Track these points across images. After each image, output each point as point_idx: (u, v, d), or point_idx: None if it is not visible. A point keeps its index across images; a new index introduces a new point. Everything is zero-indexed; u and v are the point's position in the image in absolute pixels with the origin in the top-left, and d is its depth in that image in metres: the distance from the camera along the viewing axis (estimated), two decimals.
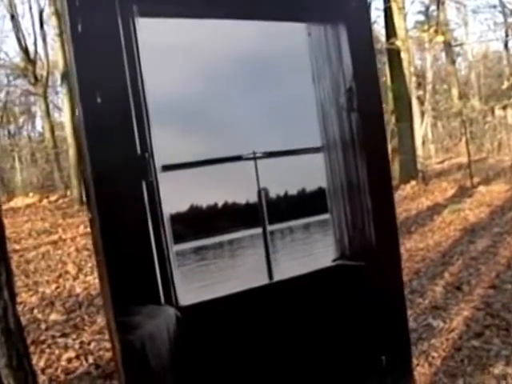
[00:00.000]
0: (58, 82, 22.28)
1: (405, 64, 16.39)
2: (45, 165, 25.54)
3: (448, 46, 25.71)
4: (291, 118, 2.06)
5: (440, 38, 16.05)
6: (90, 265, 8.45)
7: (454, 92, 26.35)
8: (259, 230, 1.98)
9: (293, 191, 2.05)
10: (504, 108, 21.54)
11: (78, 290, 7.12)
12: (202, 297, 1.85)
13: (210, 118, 1.90)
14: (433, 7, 25.13)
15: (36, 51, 21.89)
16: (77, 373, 4.51)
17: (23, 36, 21.30)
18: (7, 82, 26.96)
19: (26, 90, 24.71)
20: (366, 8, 2.26)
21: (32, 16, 23.89)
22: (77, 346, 5.05)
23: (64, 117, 21.06)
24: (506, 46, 29.28)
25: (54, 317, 6.00)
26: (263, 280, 1.99)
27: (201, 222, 1.87)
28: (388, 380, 2.27)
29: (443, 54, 28.76)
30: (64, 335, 5.39)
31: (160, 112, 1.78)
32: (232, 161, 1.93)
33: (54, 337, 5.36)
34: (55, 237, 11.66)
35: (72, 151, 18.16)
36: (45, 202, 18.73)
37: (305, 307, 2.07)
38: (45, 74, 21.64)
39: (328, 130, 2.13)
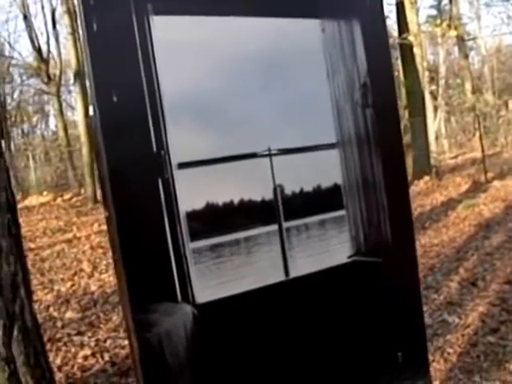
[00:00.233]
0: (71, 80, 22.38)
1: (417, 59, 16.31)
2: (59, 163, 25.67)
3: (461, 40, 25.56)
4: (306, 114, 2.06)
5: (453, 33, 15.99)
6: (104, 263, 8.48)
7: (468, 86, 26.21)
8: (275, 227, 1.98)
9: (308, 188, 2.05)
10: None
11: (93, 287, 7.15)
12: (218, 294, 1.86)
13: (225, 115, 1.90)
14: (445, 1, 25.00)
15: (49, 50, 22.00)
16: (93, 370, 4.53)
17: (36, 35, 21.41)
18: (21, 81, 27.12)
19: (40, 89, 24.84)
20: (380, 3, 2.25)
21: (44, 15, 24.08)
22: (92, 344, 5.07)
23: (77, 115, 21.17)
24: None
25: (69, 315, 6.03)
26: (279, 277, 1.99)
27: (217, 220, 1.88)
28: (404, 376, 2.26)
29: (456, 49, 28.60)
30: (80, 333, 5.41)
31: (175, 110, 1.79)
32: (247, 158, 1.93)
33: (69, 335, 5.38)
34: (70, 235, 11.71)
35: (85, 149, 18.25)
36: (59, 200, 18.83)
37: (321, 303, 2.07)
38: (58, 72, 21.73)
39: (343, 126, 2.12)
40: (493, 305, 4.99)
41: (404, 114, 17.23)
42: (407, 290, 2.31)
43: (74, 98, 23.75)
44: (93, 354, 4.82)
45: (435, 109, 19.31)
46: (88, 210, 15.79)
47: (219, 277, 1.87)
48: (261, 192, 1.95)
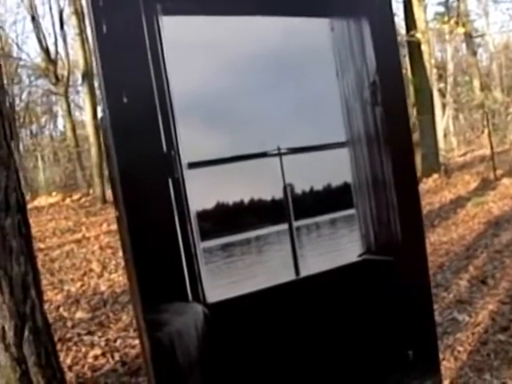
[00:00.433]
0: (79, 81, 22.43)
1: (425, 56, 16.27)
2: (67, 164, 25.76)
3: (469, 37, 25.47)
4: (315, 113, 2.06)
5: (461, 30, 15.93)
6: (114, 262, 8.51)
7: (476, 83, 26.13)
8: (285, 226, 1.98)
9: (318, 187, 2.05)
10: None
11: (103, 287, 7.17)
12: (229, 293, 1.86)
13: (234, 114, 1.90)
14: None
15: (57, 51, 22.06)
16: (103, 370, 4.54)
17: (44, 36, 21.47)
18: (29, 82, 27.21)
19: (48, 89, 24.90)
20: (389, 1, 2.25)
21: (52, 16, 24.12)
22: (103, 344, 5.09)
23: (85, 115, 21.22)
24: None
25: (79, 315, 6.05)
26: (290, 276, 1.99)
27: (227, 219, 1.88)
28: (414, 375, 2.26)
29: (464, 46, 28.51)
30: (90, 333, 5.43)
31: (185, 110, 1.79)
32: (257, 157, 1.93)
33: (79, 334, 5.40)
34: (79, 235, 11.75)
35: (94, 150, 18.30)
36: (68, 200, 18.88)
37: (331, 302, 2.07)
38: (66, 73, 21.78)
39: (352, 124, 2.12)
40: (503, 303, 4.97)
41: (412, 112, 17.19)
42: (417, 288, 2.31)
43: (82, 98, 23.82)
44: (103, 354, 4.83)
45: (443, 106, 19.24)
46: (97, 210, 15.84)
47: (230, 276, 1.87)
48: (271, 191, 1.95)
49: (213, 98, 1.87)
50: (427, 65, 16.34)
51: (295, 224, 2.00)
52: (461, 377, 3.70)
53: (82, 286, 7.40)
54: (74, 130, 23.14)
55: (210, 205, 1.83)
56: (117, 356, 4.77)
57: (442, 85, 19.66)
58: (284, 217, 1.98)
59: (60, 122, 33.06)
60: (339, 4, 2.12)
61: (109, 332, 5.41)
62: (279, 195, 1.96)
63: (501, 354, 3.92)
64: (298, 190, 2.00)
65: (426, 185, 14.29)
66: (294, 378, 1.99)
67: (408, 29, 16.20)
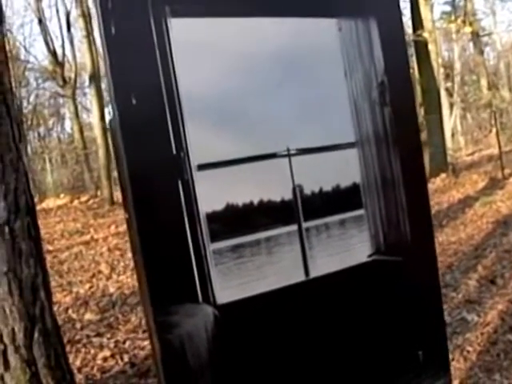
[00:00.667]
0: (86, 83, 22.51)
1: (432, 56, 16.22)
2: (75, 166, 25.81)
3: (476, 36, 25.39)
4: (324, 113, 2.06)
5: (468, 29, 15.88)
6: (122, 264, 8.52)
7: (483, 83, 26.05)
8: (295, 227, 1.98)
9: (327, 187, 2.04)
10: None
11: (112, 289, 7.18)
12: (239, 295, 1.86)
13: (243, 115, 1.91)
14: None
15: (64, 54, 22.16)
16: (112, 371, 4.55)
17: (51, 39, 21.55)
18: (36, 84, 27.29)
19: (55, 92, 24.96)
20: (397, 1, 2.24)
21: (59, 19, 24.09)
22: (112, 345, 5.10)
23: (93, 117, 21.26)
24: None
25: (88, 316, 6.06)
26: (299, 277, 1.99)
27: (236, 220, 1.88)
28: (425, 375, 2.25)
29: (471, 45, 28.42)
30: (99, 334, 5.44)
31: (194, 111, 1.79)
32: (266, 158, 1.93)
33: (89, 336, 5.41)
34: (87, 237, 11.76)
35: (101, 152, 18.32)
36: (76, 202, 18.93)
37: (341, 303, 2.07)
38: (73, 75, 21.84)
39: (361, 125, 2.12)
40: None
41: (419, 112, 17.14)
42: (427, 288, 2.30)
43: (90, 100, 23.91)
44: (112, 356, 4.84)
45: (451, 106, 19.17)
46: (105, 212, 15.86)
47: (240, 277, 1.87)
48: (280, 192, 1.95)
49: (222, 99, 1.87)
50: (434, 64, 16.29)
51: (304, 225, 2.00)
52: (470, 377, 3.69)
53: (91, 287, 7.41)
54: (81, 132, 23.20)
55: (219, 206, 1.84)
56: (126, 358, 4.78)
57: (449, 84, 19.60)
58: (293, 218, 1.98)
59: (67, 124, 33.19)
60: (347, 4, 2.12)
61: (118, 334, 5.41)
62: (288, 196, 1.96)
63: (510, 354, 3.90)
64: (308, 191, 2.00)
65: (433, 184, 14.25)
66: (305, 379, 1.99)
67: (415, 28, 16.16)
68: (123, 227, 11.31)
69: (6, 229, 2.35)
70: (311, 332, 2.00)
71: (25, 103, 25.57)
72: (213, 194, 1.82)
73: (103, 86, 19.51)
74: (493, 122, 20.16)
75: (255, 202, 1.90)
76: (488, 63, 30.08)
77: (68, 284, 7.73)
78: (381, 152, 2.15)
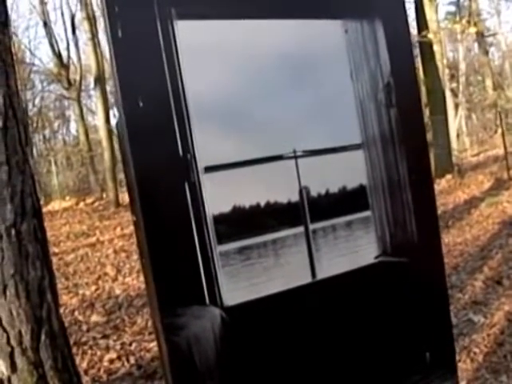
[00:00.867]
0: (91, 85, 22.56)
1: (437, 56, 16.21)
2: (80, 168, 25.86)
3: (481, 36, 25.36)
4: (330, 115, 2.06)
5: (472, 29, 15.84)
6: (128, 266, 8.53)
7: (488, 83, 26.03)
8: (301, 229, 1.98)
9: (334, 189, 2.04)
10: None
11: (118, 291, 7.19)
12: (246, 297, 1.86)
13: (250, 118, 1.91)
14: None
15: (69, 56, 22.17)
16: (119, 373, 4.56)
17: (56, 42, 21.59)
18: (41, 87, 27.34)
19: (60, 94, 25.03)
20: (403, 2, 2.24)
21: (64, 22, 24.20)
22: (118, 347, 5.11)
23: (98, 120, 21.31)
24: None
25: (94, 318, 6.07)
26: (306, 279, 1.99)
27: (243, 222, 1.88)
28: (432, 377, 2.25)
29: (476, 45, 28.39)
30: (105, 336, 5.45)
31: (201, 113, 1.79)
32: (273, 160, 1.93)
33: (95, 338, 5.42)
34: (93, 239, 11.79)
35: (107, 154, 18.36)
36: (81, 204, 18.96)
37: (348, 305, 2.06)
38: (78, 78, 21.87)
39: (368, 126, 2.11)
40: None
41: (424, 112, 17.11)
42: (434, 289, 2.30)
43: (95, 102, 23.98)
44: (118, 357, 4.85)
45: (456, 106, 19.14)
46: (110, 214, 15.89)
47: (247, 279, 1.87)
48: (287, 194, 1.95)
49: (228, 101, 1.87)
50: (439, 65, 16.28)
51: (311, 227, 1.99)
52: (477, 378, 3.68)
53: (97, 289, 7.43)
54: (86, 134, 23.24)
55: (226, 208, 1.84)
56: (132, 359, 4.79)
57: (454, 85, 19.59)
58: (300, 219, 1.98)
59: (73, 126, 33.23)
60: (353, 6, 2.12)
61: (124, 335, 5.42)
62: (295, 198, 1.96)
63: None
64: (314, 193, 2.00)
65: (439, 185, 14.23)
66: (313, 380, 1.99)
67: (419, 29, 16.13)
68: (129, 229, 11.34)
69: (13, 231, 2.35)
70: (318, 333, 2.00)
71: (30, 106, 25.62)
72: (219, 196, 1.82)
73: (108, 88, 19.57)
74: (498, 122, 20.12)
75: (262, 203, 1.90)
76: (493, 63, 30.03)
77: (74, 286, 7.75)
78: (387, 153, 2.15)
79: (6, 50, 2.46)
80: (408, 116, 2.18)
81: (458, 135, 17.67)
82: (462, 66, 19.08)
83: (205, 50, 1.83)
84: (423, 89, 17.31)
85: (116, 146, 17.35)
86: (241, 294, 1.85)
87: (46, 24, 21.25)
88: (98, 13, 19.06)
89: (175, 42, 1.76)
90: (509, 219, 8.99)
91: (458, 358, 3.92)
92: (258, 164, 1.90)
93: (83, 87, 24.73)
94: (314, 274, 2.00)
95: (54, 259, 9.26)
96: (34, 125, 26.79)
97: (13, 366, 2.34)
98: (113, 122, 19.16)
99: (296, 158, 1.96)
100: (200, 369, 1.76)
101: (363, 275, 2.10)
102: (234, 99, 1.88)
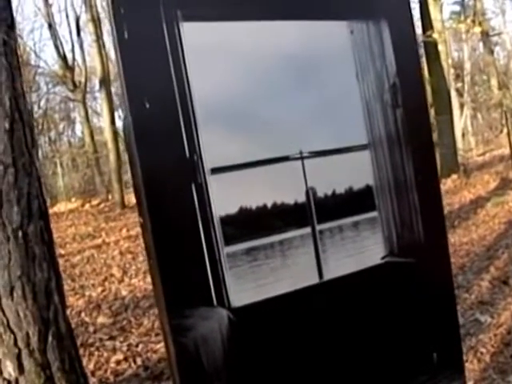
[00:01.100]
0: (96, 87, 22.63)
1: (442, 56, 16.20)
2: (86, 170, 25.91)
3: (486, 35, 25.28)
4: (337, 116, 2.06)
5: (477, 29, 15.81)
6: (134, 267, 8.55)
7: (494, 82, 25.93)
8: (308, 230, 1.98)
9: (340, 190, 2.04)
10: None
11: (124, 292, 7.21)
12: (253, 298, 1.86)
13: (256, 119, 1.90)
14: None
15: (74, 58, 22.27)
16: (125, 375, 4.57)
17: (61, 44, 21.69)
18: (47, 89, 27.41)
19: (66, 96, 25.12)
20: (408, 3, 2.24)
21: (69, 24, 24.19)
22: (125, 349, 5.11)
23: (103, 121, 21.36)
24: None
25: (101, 320, 6.08)
26: (313, 279, 1.99)
27: (250, 223, 1.88)
28: (439, 377, 2.25)
29: (481, 44, 28.31)
30: (112, 338, 5.46)
31: (207, 114, 1.79)
32: (279, 161, 1.93)
33: (101, 339, 5.43)
34: (99, 240, 11.82)
35: (112, 155, 18.40)
36: (87, 206, 19.01)
37: (355, 305, 2.06)
38: (83, 80, 21.95)
39: (374, 126, 2.11)
40: None
41: (430, 112, 17.08)
42: (441, 289, 2.29)
43: (100, 104, 24.02)
44: (125, 359, 4.86)
45: (461, 106, 19.14)
46: (116, 216, 15.92)
47: (254, 280, 1.87)
48: (293, 195, 1.95)
49: (234, 102, 1.87)
50: (444, 65, 16.27)
51: (318, 227, 1.99)
52: (484, 379, 3.67)
53: (103, 291, 7.44)
54: (92, 135, 23.31)
55: (233, 209, 1.84)
56: (139, 361, 4.79)
57: (459, 84, 19.57)
58: (307, 220, 1.98)
59: (78, 128, 33.26)
60: (358, 7, 2.12)
61: (130, 337, 5.43)
62: (302, 199, 1.96)
63: None
64: (321, 194, 2.00)
65: (445, 185, 14.20)
66: (320, 381, 1.99)
67: (424, 29, 16.11)
68: (135, 230, 11.36)
69: (20, 233, 2.36)
70: (325, 334, 2.00)
71: (35, 108, 25.67)
72: (226, 197, 1.82)
73: (113, 89, 19.61)
74: (504, 121, 20.06)
75: (269, 204, 1.90)
76: (498, 63, 29.91)
77: (80, 287, 7.77)
78: (393, 154, 2.14)
79: (12, 52, 2.46)
80: (414, 116, 2.18)
81: (463, 135, 17.67)
82: (467, 66, 19.09)
83: (211, 51, 1.83)
84: (428, 89, 17.29)
85: (121, 147, 17.41)
86: (248, 294, 1.85)
87: (50, 26, 21.34)
88: (102, 15, 19.15)
89: (181, 43, 1.76)
90: None
91: (464, 358, 3.91)
92: (265, 165, 1.90)
93: (88, 89, 24.81)
94: (321, 275, 2.00)
95: (61, 261, 9.27)
96: (40, 127, 26.83)
97: (20, 368, 2.34)
98: (118, 123, 19.22)
99: (302, 158, 1.96)
100: (207, 370, 1.76)
101: (370, 276, 2.10)
102: (239, 100, 1.88)
